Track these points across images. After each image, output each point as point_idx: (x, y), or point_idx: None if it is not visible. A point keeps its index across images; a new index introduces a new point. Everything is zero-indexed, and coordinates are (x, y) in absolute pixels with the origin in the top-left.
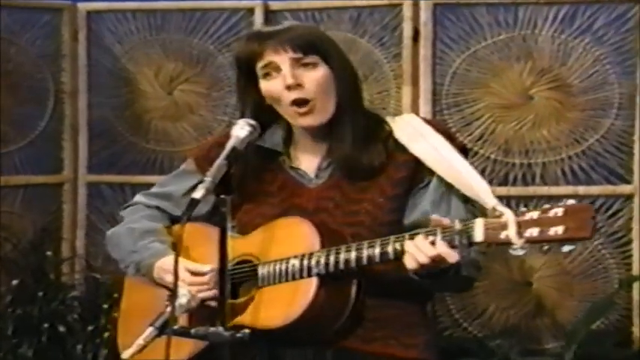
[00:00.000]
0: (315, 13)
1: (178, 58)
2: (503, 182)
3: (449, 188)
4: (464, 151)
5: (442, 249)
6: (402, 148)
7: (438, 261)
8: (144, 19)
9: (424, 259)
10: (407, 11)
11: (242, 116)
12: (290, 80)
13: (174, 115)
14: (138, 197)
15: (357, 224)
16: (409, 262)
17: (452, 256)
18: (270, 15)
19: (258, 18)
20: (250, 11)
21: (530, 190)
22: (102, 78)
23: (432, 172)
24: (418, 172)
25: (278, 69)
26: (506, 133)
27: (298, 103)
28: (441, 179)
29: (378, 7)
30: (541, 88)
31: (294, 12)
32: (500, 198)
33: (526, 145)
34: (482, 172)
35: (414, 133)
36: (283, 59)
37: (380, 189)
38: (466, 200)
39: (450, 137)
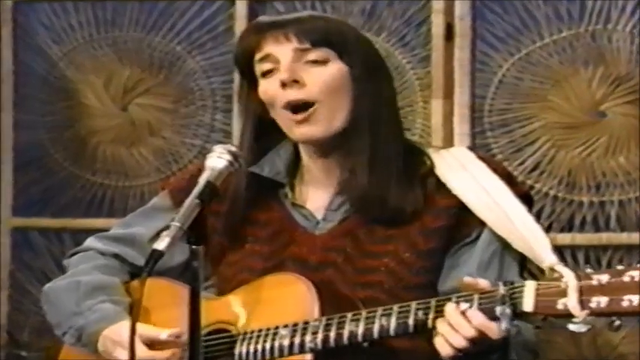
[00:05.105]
0: (316, 4)
1: (135, 62)
2: (567, 227)
3: (503, 245)
4: (527, 199)
5: (479, 321)
6: (444, 190)
7: (476, 340)
8: (89, 10)
9: (460, 342)
10: (437, 2)
11: (242, 135)
12: (285, 75)
13: (130, 137)
14: (90, 241)
15: (374, 285)
16: (441, 346)
17: (494, 331)
18: (256, 6)
19: (241, 9)
20: (230, 1)
21: (603, 237)
22: (33, 89)
23: (482, 223)
24: (463, 222)
25: (278, 63)
26: (570, 161)
27: (294, 107)
28: (493, 233)
29: None
30: (616, 102)
31: (288, 2)
32: (562, 248)
33: (597, 177)
34: (538, 214)
35: (459, 169)
36: (284, 50)
37: (408, 240)
38: (523, 262)
39: (511, 181)
